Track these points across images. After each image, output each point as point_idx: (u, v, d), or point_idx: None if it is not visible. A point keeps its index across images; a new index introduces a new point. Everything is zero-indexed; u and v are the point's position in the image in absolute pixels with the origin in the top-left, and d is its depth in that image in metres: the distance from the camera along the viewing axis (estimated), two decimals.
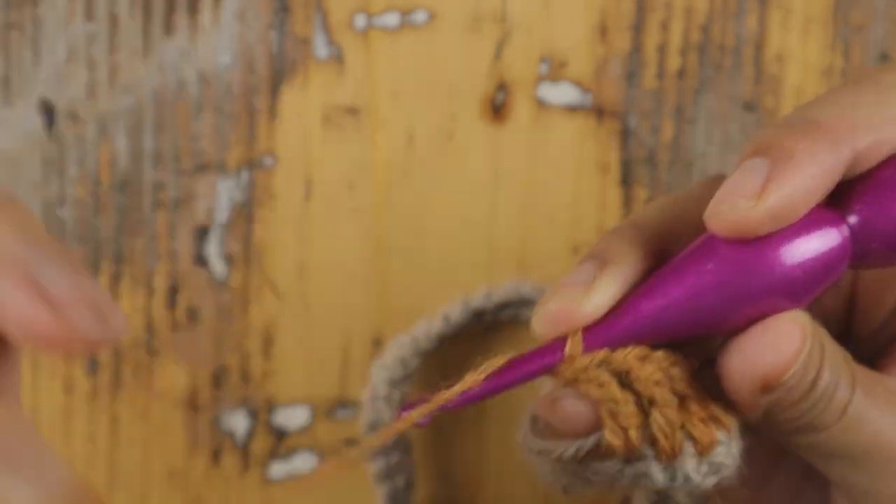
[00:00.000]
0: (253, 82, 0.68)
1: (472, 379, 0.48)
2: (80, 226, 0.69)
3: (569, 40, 0.67)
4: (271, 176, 0.68)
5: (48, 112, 0.68)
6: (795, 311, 0.48)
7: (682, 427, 0.50)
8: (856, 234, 0.48)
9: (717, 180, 0.50)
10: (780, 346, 0.47)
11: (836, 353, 0.49)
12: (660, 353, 0.50)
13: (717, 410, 0.50)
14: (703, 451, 0.50)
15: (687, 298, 0.48)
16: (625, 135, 0.68)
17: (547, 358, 0.49)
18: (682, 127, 0.67)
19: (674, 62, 0.67)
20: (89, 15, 0.68)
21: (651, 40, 0.67)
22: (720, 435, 0.50)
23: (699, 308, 0.48)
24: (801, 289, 0.48)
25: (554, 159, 0.68)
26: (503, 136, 0.68)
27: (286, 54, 0.68)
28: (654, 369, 0.49)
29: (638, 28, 0.67)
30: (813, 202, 0.48)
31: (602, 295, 0.49)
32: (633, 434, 0.49)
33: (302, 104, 0.68)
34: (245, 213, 0.68)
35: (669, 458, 0.50)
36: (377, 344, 0.69)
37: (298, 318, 0.69)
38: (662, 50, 0.67)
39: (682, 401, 0.50)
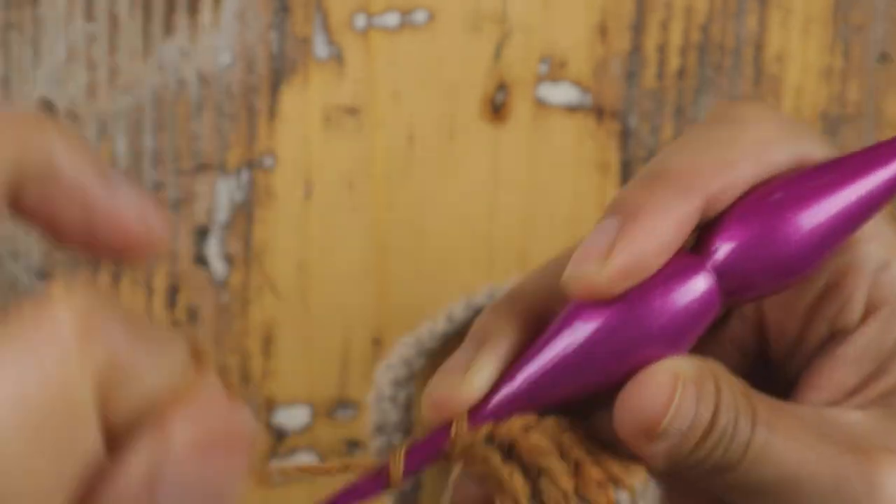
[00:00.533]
0: (253, 82, 0.68)
1: (375, 473, 0.48)
2: None
3: (569, 40, 0.67)
4: (271, 176, 0.68)
5: (48, 112, 0.68)
6: (671, 358, 0.48)
7: (577, 493, 0.50)
8: (722, 274, 0.48)
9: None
10: (652, 396, 0.47)
11: (733, 391, 0.49)
12: (549, 421, 0.50)
13: (618, 469, 0.50)
14: None
15: (560, 362, 0.48)
16: (625, 135, 0.68)
17: (438, 441, 0.49)
18: (682, 127, 0.67)
19: (674, 62, 0.67)
20: (89, 15, 0.68)
21: (651, 40, 0.67)
22: (621, 495, 0.50)
23: (574, 370, 0.48)
24: (673, 336, 0.48)
25: (554, 159, 0.68)
26: (503, 136, 0.68)
27: (286, 54, 0.68)
28: (540, 438, 0.49)
29: (638, 28, 0.67)
30: (667, 254, 0.48)
31: (480, 376, 0.49)
32: None
33: (302, 104, 0.68)
34: (245, 213, 0.68)
35: None
36: (377, 343, 0.69)
37: (298, 318, 0.69)
38: (662, 50, 0.67)
39: (577, 466, 0.50)
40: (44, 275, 0.70)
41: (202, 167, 0.69)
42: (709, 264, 0.48)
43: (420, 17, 0.67)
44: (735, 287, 0.48)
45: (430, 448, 0.49)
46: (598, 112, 0.67)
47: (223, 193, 0.68)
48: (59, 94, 0.68)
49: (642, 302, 0.48)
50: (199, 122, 0.68)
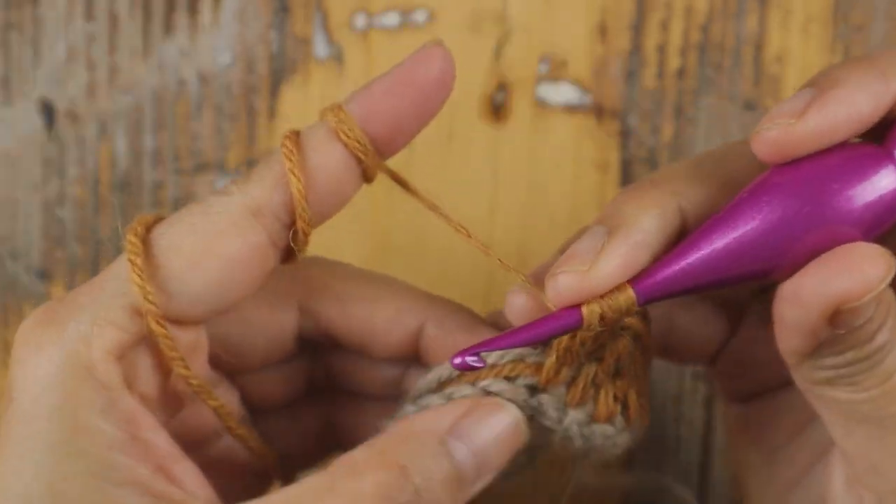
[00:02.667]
0: (253, 82, 0.68)
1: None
2: (79, 225, 0.69)
3: (569, 40, 0.67)
4: None
5: (48, 112, 0.68)
6: (873, 244, 0.48)
7: (599, 389, 0.52)
8: None
9: (745, 143, 0.51)
10: (864, 268, 0.47)
11: None
12: (639, 327, 0.51)
13: (638, 403, 0.53)
14: (596, 416, 0.52)
15: (750, 236, 0.49)
16: (624, 135, 0.68)
17: (566, 319, 0.50)
18: (682, 127, 0.67)
19: (674, 62, 0.67)
20: (89, 15, 0.68)
21: (651, 40, 0.67)
22: (619, 419, 0.52)
23: (760, 246, 0.48)
24: (865, 217, 0.48)
25: (553, 159, 0.68)
26: (503, 136, 0.68)
27: (286, 54, 0.68)
28: (624, 342, 0.52)
29: (638, 28, 0.67)
30: (855, 126, 0.48)
31: (608, 266, 0.49)
32: (564, 370, 0.52)
33: (302, 104, 0.68)
34: None
35: (569, 405, 0.52)
36: None
37: None
38: (662, 50, 0.67)
39: (618, 373, 0.53)
40: (44, 275, 0.70)
41: (202, 167, 0.69)
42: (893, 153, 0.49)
43: (420, 17, 0.67)
44: None
45: (557, 322, 0.50)
46: (598, 112, 0.67)
47: None
48: (59, 93, 0.68)
49: (833, 178, 0.48)
50: (198, 121, 0.68)
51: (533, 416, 0.52)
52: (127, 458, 0.48)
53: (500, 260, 0.52)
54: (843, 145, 0.49)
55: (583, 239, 0.50)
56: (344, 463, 0.49)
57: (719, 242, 0.49)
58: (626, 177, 0.68)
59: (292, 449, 0.57)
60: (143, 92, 0.68)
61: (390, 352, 0.56)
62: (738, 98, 0.67)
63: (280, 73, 0.68)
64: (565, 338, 0.51)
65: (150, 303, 0.49)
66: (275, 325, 0.55)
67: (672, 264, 0.49)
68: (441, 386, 0.53)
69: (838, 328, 0.48)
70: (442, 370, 0.53)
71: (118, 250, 0.69)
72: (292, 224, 0.51)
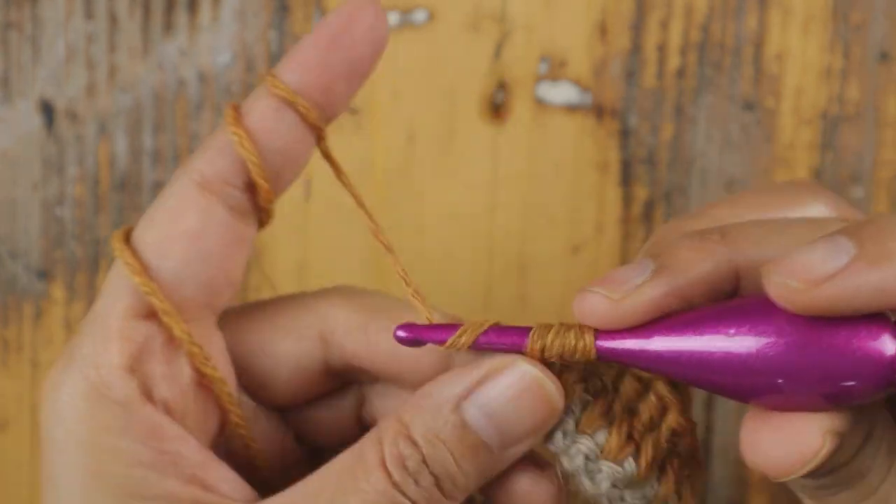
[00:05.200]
0: (252, 81, 0.68)
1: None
2: (79, 225, 0.69)
3: (568, 40, 0.67)
4: None
5: (48, 111, 0.68)
6: (828, 413, 0.46)
7: (612, 425, 0.51)
8: None
9: (806, 220, 0.49)
10: (796, 447, 0.46)
11: (882, 442, 0.48)
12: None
13: (651, 449, 0.51)
14: (605, 453, 0.50)
15: (717, 355, 0.47)
16: (624, 134, 0.68)
17: (512, 338, 0.50)
18: (682, 126, 0.67)
19: (673, 61, 0.67)
20: (89, 14, 0.68)
21: (651, 39, 0.67)
22: (629, 462, 0.50)
23: (719, 367, 0.47)
24: (840, 392, 0.46)
25: (553, 159, 0.68)
26: (503, 136, 0.68)
27: (286, 53, 0.68)
28: (635, 383, 0.51)
29: (638, 27, 0.67)
30: (881, 306, 0.45)
31: (639, 303, 0.48)
32: (577, 389, 0.51)
33: None
34: None
35: (580, 431, 0.50)
36: None
37: None
38: (662, 49, 0.67)
39: (633, 413, 0.51)
40: (44, 275, 0.70)
41: None
42: None
43: (420, 16, 0.67)
44: None
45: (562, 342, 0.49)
46: (598, 111, 0.67)
47: None
48: (58, 93, 0.68)
49: (832, 341, 0.45)
50: (198, 121, 0.68)
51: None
52: (153, 472, 0.48)
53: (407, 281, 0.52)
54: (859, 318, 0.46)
55: (628, 266, 0.49)
56: (362, 445, 0.49)
57: (705, 344, 0.47)
58: (626, 176, 0.68)
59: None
60: (142, 91, 0.68)
61: (422, 380, 0.53)
62: (738, 98, 0.67)
63: None
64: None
65: (154, 294, 0.49)
66: (298, 358, 0.53)
67: (648, 340, 0.48)
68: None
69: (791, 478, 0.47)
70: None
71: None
72: (248, 186, 0.50)
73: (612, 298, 0.48)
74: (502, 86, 0.68)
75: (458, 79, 0.68)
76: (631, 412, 0.51)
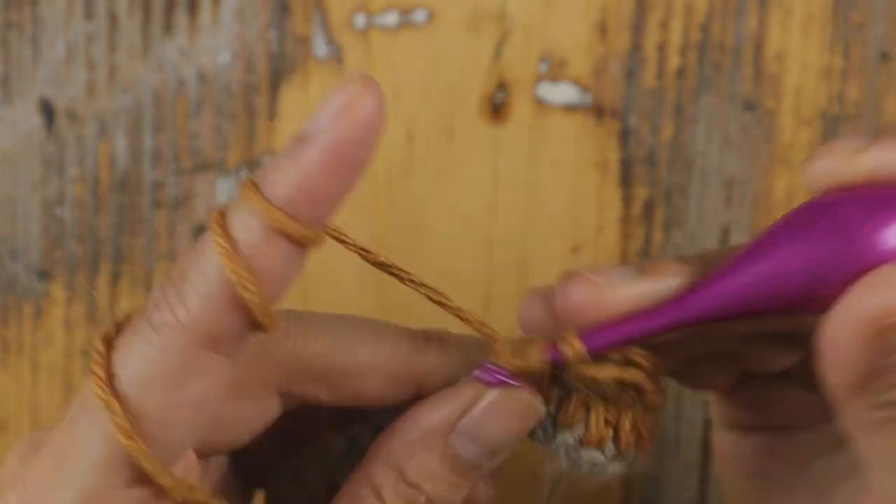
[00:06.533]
0: (252, 82, 0.68)
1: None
2: (79, 225, 0.69)
3: (568, 39, 0.67)
4: None
5: (47, 111, 0.68)
6: None
7: (590, 411, 0.51)
8: None
9: None
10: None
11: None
12: (646, 362, 0.51)
13: (630, 431, 0.51)
14: (586, 440, 0.51)
15: (784, 264, 0.47)
16: (624, 134, 0.68)
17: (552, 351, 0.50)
18: (682, 126, 0.67)
19: (673, 61, 0.67)
20: (89, 14, 0.68)
21: (651, 39, 0.67)
22: (609, 446, 0.51)
23: (795, 275, 0.47)
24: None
25: (553, 159, 0.68)
26: (503, 136, 0.68)
27: (286, 53, 0.68)
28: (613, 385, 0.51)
29: (638, 27, 0.67)
30: None
31: (625, 292, 0.48)
32: (555, 389, 0.51)
33: (301, 104, 0.68)
34: None
35: (561, 424, 0.51)
36: None
37: None
38: (662, 49, 0.67)
39: (612, 398, 0.51)
40: (44, 275, 0.70)
41: (201, 166, 0.69)
42: None
43: (420, 16, 0.67)
44: None
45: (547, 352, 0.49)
46: (598, 111, 0.67)
47: (223, 193, 0.68)
48: (58, 93, 0.68)
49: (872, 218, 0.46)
50: (198, 121, 0.68)
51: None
52: None
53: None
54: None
55: (619, 266, 0.49)
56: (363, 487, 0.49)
57: (741, 277, 0.48)
58: (626, 176, 0.68)
59: None
60: (142, 91, 0.68)
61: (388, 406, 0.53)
62: (738, 97, 0.67)
63: (280, 72, 0.68)
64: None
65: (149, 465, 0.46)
66: (255, 417, 0.51)
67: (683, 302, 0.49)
68: None
69: (890, 350, 0.45)
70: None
71: (117, 250, 0.69)
72: (253, 324, 0.46)
73: (597, 284, 0.48)
74: (502, 86, 0.68)
75: (458, 79, 0.68)
76: (605, 399, 0.51)
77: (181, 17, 0.68)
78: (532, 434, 0.51)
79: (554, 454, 0.52)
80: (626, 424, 0.52)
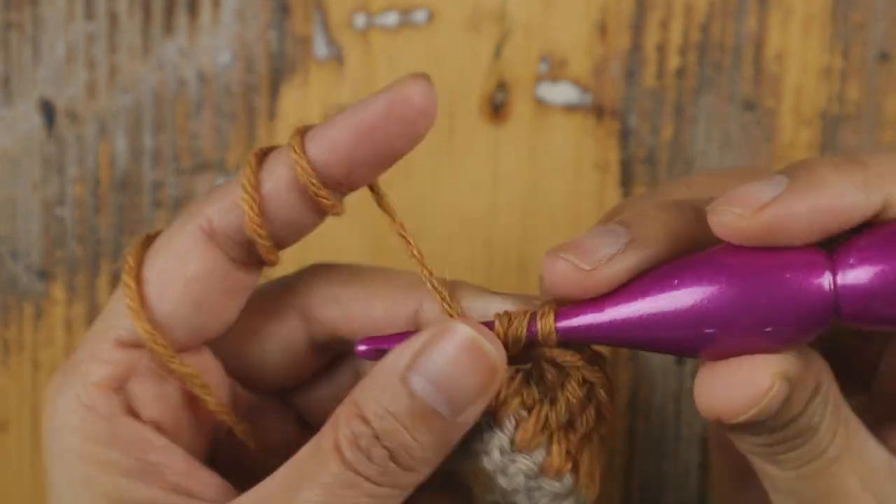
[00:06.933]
0: (252, 82, 0.68)
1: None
2: (79, 225, 0.69)
3: (568, 39, 0.67)
4: None
5: (48, 111, 0.68)
6: (779, 356, 0.47)
7: (550, 443, 0.51)
8: (845, 289, 0.47)
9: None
10: (747, 389, 0.47)
11: (826, 401, 0.49)
12: (594, 378, 0.50)
13: (589, 467, 0.51)
14: (546, 467, 0.50)
15: (659, 316, 0.48)
16: (624, 134, 0.68)
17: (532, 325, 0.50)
18: (682, 126, 0.67)
19: (673, 61, 0.67)
20: (89, 14, 0.68)
21: (651, 39, 0.67)
22: (568, 478, 0.51)
23: (670, 325, 0.48)
24: (782, 328, 0.47)
25: (553, 159, 0.68)
26: (503, 136, 0.68)
27: (286, 54, 0.68)
28: (572, 386, 0.51)
29: (637, 27, 0.67)
30: (816, 236, 0.47)
31: (613, 273, 0.49)
32: (514, 401, 0.50)
33: (302, 104, 0.68)
34: None
35: (518, 447, 0.50)
36: None
37: None
38: (662, 49, 0.67)
39: (571, 426, 0.51)
40: (44, 275, 0.70)
41: (202, 166, 0.69)
42: (837, 273, 0.47)
43: (420, 16, 0.67)
44: (853, 308, 0.47)
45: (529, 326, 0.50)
46: (598, 111, 0.67)
47: None
48: (58, 93, 0.68)
49: (768, 278, 0.47)
50: (198, 121, 0.68)
51: (477, 455, 0.51)
52: (139, 481, 0.51)
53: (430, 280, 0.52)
54: (793, 248, 0.47)
55: (598, 233, 0.49)
56: (318, 436, 0.50)
57: (652, 305, 0.48)
58: (626, 176, 0.68)
59: None
60: (142, 92, 0.68)
61: None
62: (738, 97, 0.67)
63: (280, 72, 0.68)
64: (518, 372, 0.51)
65: (150, 335, 0.51)
66: (283, 336, 0.55)
67: (600, 313, 0.49)
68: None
69: (735, 429, 0.48)
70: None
71: (117, 250, 0.69)
72: (252, 243, 0.52)
73: (583, 268, 0.48)
74: (502, 86, 0.68)
75: (458, 79, 0.68)
76: (568, 425, 0.51)
77: (181, 18, 0.68)
78: (488, 453, 0.50)
79: (511, 482, 0.50)
80: (586, 458, 0.51)
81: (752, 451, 0.50)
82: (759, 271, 0.47)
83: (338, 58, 0.68)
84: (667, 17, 0.67)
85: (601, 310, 0.49)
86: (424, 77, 0.50)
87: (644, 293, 0.48)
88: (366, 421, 0.48)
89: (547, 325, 0.49)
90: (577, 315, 0.49)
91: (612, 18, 0.67)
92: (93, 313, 0.69)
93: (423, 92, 0.50)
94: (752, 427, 0.48)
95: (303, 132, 0.51)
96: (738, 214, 0.47)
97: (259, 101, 0.68)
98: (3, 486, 0.71)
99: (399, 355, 0.49)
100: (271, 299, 0.55)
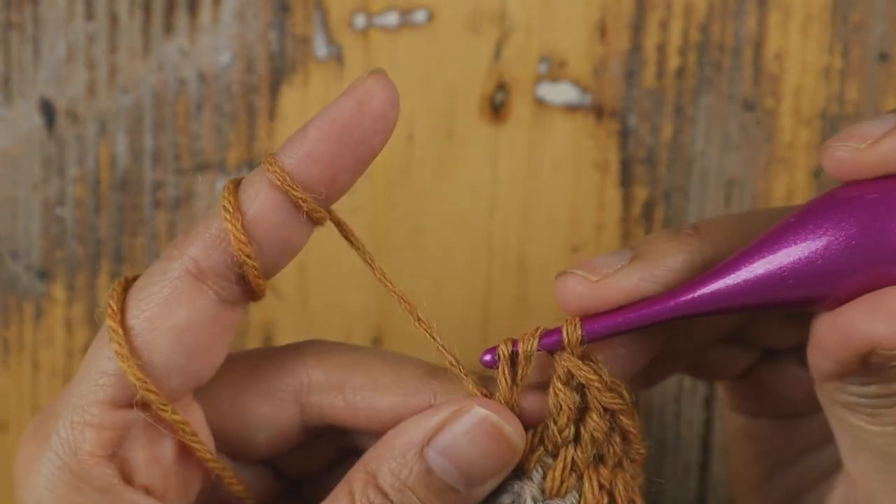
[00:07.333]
0: (252, 82, 0.68)
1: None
2: (79, 225, 0.69)
3: (568, 40, 0.67)
4: None
5: (48, 111, 0.69)
6: None
7: (582, 483, 0.51)
8: None
9: (789, 209, 0.51)
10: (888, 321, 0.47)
11: None
12: (611, 402, 0.50)
13: (626, 494, 0.51)
14: (549, 488, 0.50)
15: (799, 258, 0.48)
16: (624, 134, 0.68)
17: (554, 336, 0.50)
18: (682, 126, 0.67)
19: (673, 62, 0.67)
20: (89, 14, 0.68)
21: (650, 40, 0.67)
22: (571, 496, 0.50)
23: (810, 269, 0.48)
24: None
25: (553, 159, 0.68)
26: (502, 136, 0.68)
27: (286, 54, 0.68)
28: (594, 418, 0.51)
29: (637, 27, 0.67)
30: None
31: (618, 284, 0.50)
32: (539, 452, 0.51)
33: (302, 104, 0.68)
34: None
35: (550, 494, 0.50)
36: (377, 343, 0.69)
37: (298, 318, 0.69)
38: (662, 49, 0.67)
39: (601, 459, 0.51)
40: (44, 275, 0.70)
41: (202, 167, 0.69)
42: None
43: (420, 16, 0.67)
44: None
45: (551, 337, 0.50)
46: (598, 111, 0.67)
47: None
48: (59, 93, 0.68)
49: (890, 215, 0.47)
50: (198, 121, 0.68)
51: None
52: None
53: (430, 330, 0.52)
54: None
55: (605, 254, 0.51)
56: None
57: (770, 263, 0.48)
58: (626, 176, 0.68)
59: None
60: (142, 92, 0.68)
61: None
62: (738, 98, 0.67)
63: (280, 72, 0.68)
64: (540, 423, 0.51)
65: (143, 382, 0.50)
66: (274, 422, 0.54)
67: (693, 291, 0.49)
68: None
69: (870, 365, 0.48)
70: None
71: (118, 250, 0.69)
72: (241, 278, 0.51)
73: (590, 280, 0.50)
74: (502, 86, 0.68)
75: (458, 79, 0.68)
76: (597, 458, 0.51)
77: (181, 18, 0.68)
78: (521, 502, 0.50)
79: None
80: (620, 486, 0.51)
81: (854, 402, 0.50)
82: (885, 199, 0.48)
83: (338, 58, 0.68)
84: (666, 17, 0.67)
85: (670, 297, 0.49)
86: (382, 71, 0.50)
87: (751, 258, 0.48)
88: (383, 493, 0.49)
89: (575, 332, 0.50)
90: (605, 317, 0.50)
91: (612, 19, 0.67)
92: (93, 313, 0.69)
93: (385, 85, 0.50)
94: (867, 376, 0.48)
95: (273, 153, 0.50)
96: (854, 148, 0.48)
97: (259, 100, 0.68)
98: (3, 486, 0.71)
99: (415, 428, 0.49)
100: (264, 378, 0.53)
